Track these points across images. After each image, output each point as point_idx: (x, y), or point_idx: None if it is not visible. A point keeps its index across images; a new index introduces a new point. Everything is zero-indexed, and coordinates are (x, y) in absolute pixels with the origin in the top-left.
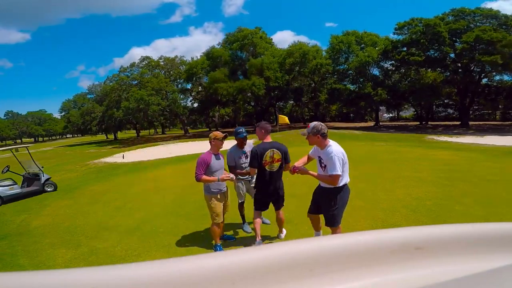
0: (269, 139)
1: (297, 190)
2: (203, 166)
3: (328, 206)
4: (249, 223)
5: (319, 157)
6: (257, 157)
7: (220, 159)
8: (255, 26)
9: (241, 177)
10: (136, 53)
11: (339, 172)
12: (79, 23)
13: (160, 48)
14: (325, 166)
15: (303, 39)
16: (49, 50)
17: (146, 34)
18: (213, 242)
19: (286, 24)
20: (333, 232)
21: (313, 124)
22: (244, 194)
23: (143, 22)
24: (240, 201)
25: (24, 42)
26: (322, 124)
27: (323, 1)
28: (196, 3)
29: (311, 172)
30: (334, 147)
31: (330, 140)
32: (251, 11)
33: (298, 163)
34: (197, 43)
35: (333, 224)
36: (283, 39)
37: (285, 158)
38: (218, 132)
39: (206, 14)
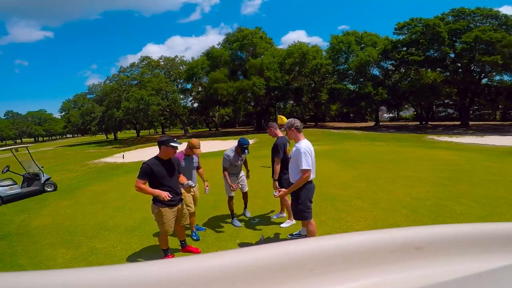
0: (280, 133)
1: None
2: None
3: (294, 201)
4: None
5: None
6: (280, 148)
7: (191, 159)
8: (271, 27)
9: (232, 172)
10: (150, 51)
11: (307, 167)
12: (101, 21)
13: (175, 47)
14: (291, 158)
15: (316, 39)
16: (67, 49)
17: (164, 32)
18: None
19: (300, 26)
20: (304, 226)
21: (288, 120)
22: (245, 185)
23: (164, 20)
24: (229, 195)
25: (45, 41)
26: (296, 119)
27: (337, 6)
28: (217, 5)
29: (286, 190)
30: (304, 143)
31: (304, 137)
32: (267, 13)
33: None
34: (211, 43)
35: (301, 218)
36: (297, 38)
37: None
38: (194, 141)
39: (225, 13)
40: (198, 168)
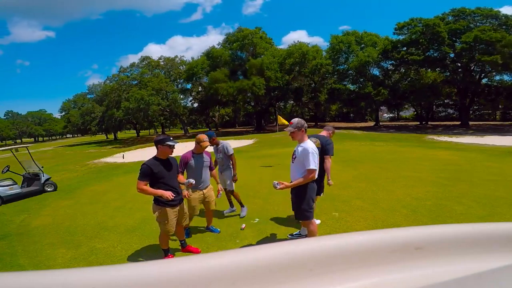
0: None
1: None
2: (182, 164)
3: (296, 201)
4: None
5: (294, 151)
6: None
7: (201, 158)
8: (272, 27)
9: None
10: (151, 50)
11: (314, 167)
12: (103, 21)
13: (176, 47)
14: (295, 158)
15: (317, 39)
16: (68, 49)
17: (165, 32)
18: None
19: (301, 26)
20: (305, 226)
21: (297, 120)
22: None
23: (165, 20)
24: (228, 189)
25: (46, 40)
26: (303, 120)
27: (338, 6)
28: (218, 5)
29: (289, 184)
30: (310, 144)
31: (307, 138)
32: (268, 13)
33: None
34: (212, 43)
35: (303, 218)
36: (298, 38)
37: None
38: (201, 135)
39: (226, 14)
40: (211, 169)
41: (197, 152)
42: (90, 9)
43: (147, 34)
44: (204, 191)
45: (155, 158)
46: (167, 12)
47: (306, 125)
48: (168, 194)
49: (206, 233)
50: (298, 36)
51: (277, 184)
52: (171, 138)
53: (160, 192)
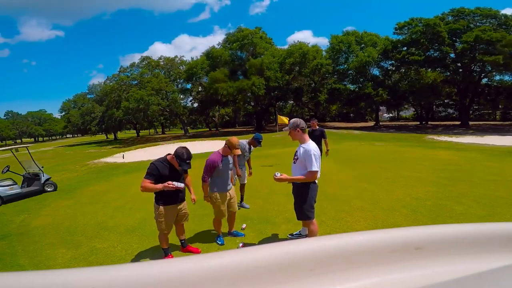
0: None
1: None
2: (210, 168)
3: (297, 201)
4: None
5: (296, 151)
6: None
7: (228, 160)
8: (277, 27)
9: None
10: (157, 49)
11: (316, 169)
12: (112, 20)
13: (182, 46)
14: (297, 159)
15: (322, 40)
16: (76, 49)
17: (173, 31)
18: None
19: (307, 26)
20: (306, 226)
21: (293, 120)
22: (245, 177)
23: (173, 20)
24: (241, 183)
25: (55, 40)
26: (301, 120)
27: (343, 7)
28: (227, 6)
29: (288, 177)
30: (312, 145)
31: (309, 138)
32: (274, 14)
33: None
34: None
35: (304, 217)
36: (304, 38)
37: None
38: (233, 139)
39: (233, 14)
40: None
41: (225, 155)
42: (100, 8)
43: (154, 33)
44: (230, 192)
45: (164, 159)
46: (176, 12)
47: (302, 125)
48: (165, 185)
49: (206, 233)
50: (304, 36)
51: (278, 173)
52: (188, 162)
53: (160, 186)
